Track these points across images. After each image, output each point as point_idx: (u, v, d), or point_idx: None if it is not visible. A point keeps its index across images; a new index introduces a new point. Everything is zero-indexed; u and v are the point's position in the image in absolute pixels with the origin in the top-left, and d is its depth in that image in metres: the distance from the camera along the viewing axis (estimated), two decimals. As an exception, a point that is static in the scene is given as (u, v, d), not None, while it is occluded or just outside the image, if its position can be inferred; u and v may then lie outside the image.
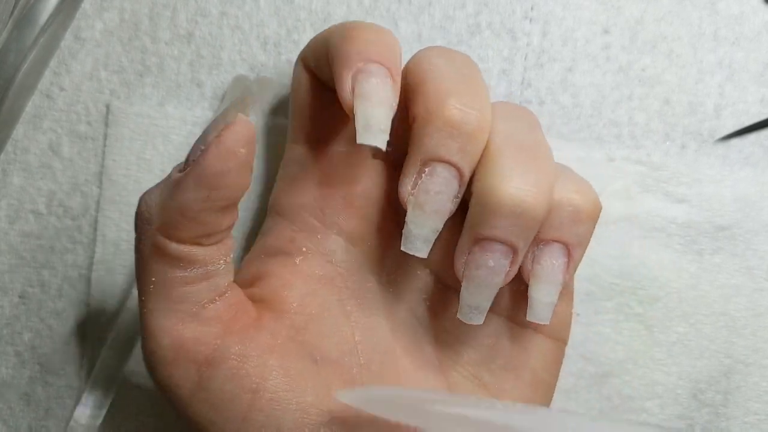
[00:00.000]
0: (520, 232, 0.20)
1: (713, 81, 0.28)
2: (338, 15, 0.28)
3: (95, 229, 0.28)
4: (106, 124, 0.28)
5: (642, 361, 0.28)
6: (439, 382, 0.23)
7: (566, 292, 0.23)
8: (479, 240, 0.20)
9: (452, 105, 0.20)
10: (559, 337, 0.24)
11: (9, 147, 0.28)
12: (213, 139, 0.19)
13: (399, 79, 0.21)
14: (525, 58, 0.28)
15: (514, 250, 0.20)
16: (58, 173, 0.28)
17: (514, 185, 0.20)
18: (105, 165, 0.28)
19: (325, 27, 0.28)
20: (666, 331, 0.28)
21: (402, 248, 0.21)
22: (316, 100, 0.24)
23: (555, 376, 0.24)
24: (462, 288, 0.21)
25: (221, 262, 0.21)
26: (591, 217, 0.22)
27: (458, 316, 0.21)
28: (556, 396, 0.25)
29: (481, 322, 0.21)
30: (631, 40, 0.28)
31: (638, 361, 0.28)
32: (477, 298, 0.21)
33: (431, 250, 0.23)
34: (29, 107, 0.28)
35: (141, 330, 0.21)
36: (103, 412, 0.28)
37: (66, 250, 0.28)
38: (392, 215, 0.24)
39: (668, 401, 0.28)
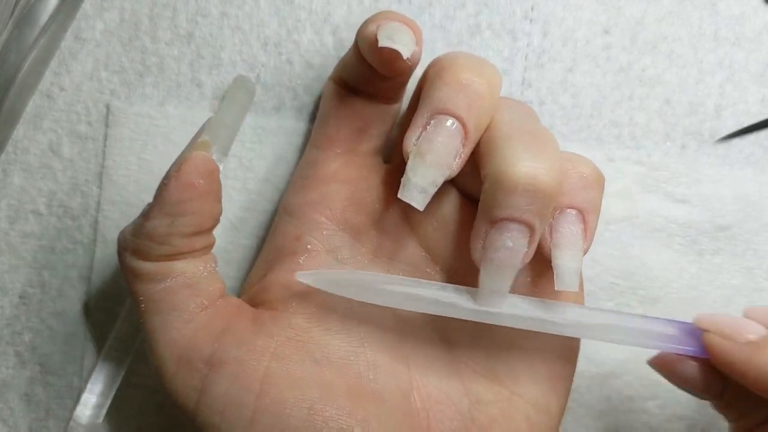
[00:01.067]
0: (536, 210, 0.20)
1: (714, 81, 0.28)
2: (338, 15, 0.28)
3: (95, 230, 0.28)
4: (107, 125, 0.28)
5: (643, 362, 0.28)
6: (452, 378, 0.23)
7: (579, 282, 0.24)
8: (496, 221, 0.20)
9: (464, 70, 0.21)
10: None
11: (9, 147, 0.28)
12: (173, 172, 0.21)
13: (420, 47, 0.22)
14: (525, 59, 0.28)
15: (531, 229, 0.20)
16: (58, 173, 0.28)
17: (526, 164, 0.20)
18: (105, 165, 0.28)
19: (326, 27, 0.28)
20: (666, 331, 0.28)
21: (399, 196, 0.21)
22: (338, 106, 0.25)
23: (572, 369, 0.24)
24: (481, 273, 0.21)
25: (201, 269, 0.22)
26: (598, 183, 0.22)
27: (477, 303, 0.21)
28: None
29: (502, 308, 0.21)
30: (632, 40, 0.28)
31: (639, 361, 0.28)
32: (497, 281, 0.21)
33: (441, 247, 0.23)
34: (29, 107, 0.28)
35: (148, 351, 0.23)
36: (103, 412, 0.28)
37: (66, 250, 0.28)
38: (400, 216, 0.24)
39: (668, 401, 0.28)
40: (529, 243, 0.20)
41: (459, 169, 0.21)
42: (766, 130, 0.28)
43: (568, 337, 0.23)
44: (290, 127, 0.28)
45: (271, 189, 0.28)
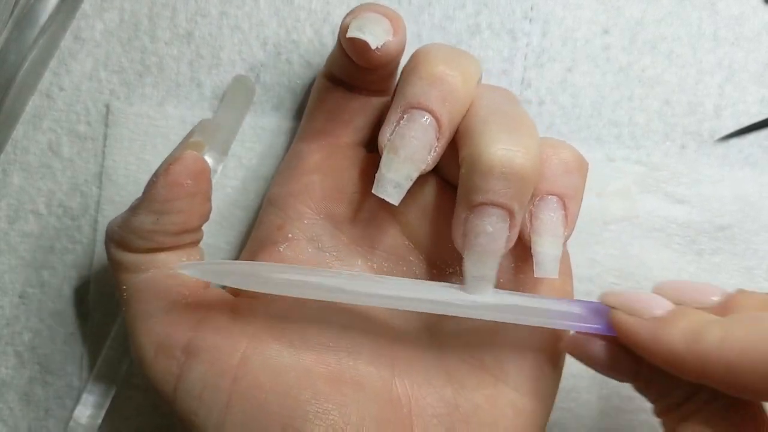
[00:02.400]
0: (514, 193, 0.20)
1: (713, 81, 0.28)
2: (338, 15, 0.28)
3: (95, 229, 0.28)
4: (106, 125, 0.28)
5: (642, 362, 0.28)
6: (437, 366, 0.23)
7: (564, 268, 0.23)
8: (474, 207, 0.20)
9: (438, 63, 0.21)
10: None
11: (9, 147, 0.28)
12: (162, 171, 0.22)
13: (399, 37, 0.22)
14: (525, 58, 0.28)
15: (510, 213, 0.20)
16: (57, 173, 0.28)
17: (502, 147, 0.20)
18: (105, 165, 0.28)
19: (325, 27, 0.28)
20: (666, 331, 0.28)
21: (373, 191, 0.21)
22: (323, 99, 0.25)
23: (561, 355, 0.24)
24: (464, 260, 0.21)
25: (184, 260, 0.23)
26: (579, 169, 0.22)
27: (464, 290, 0.21)
28: (556, 396, 0.24)
29: (487, 295, 0.21)
30: (631, 40, 0.28)
31: (638, 361, 0.28)
32: (481, 267, 0.21)
33: (423, 234, 0.23)
34: (29, 107, 0.28)
35: (128, 339, 0.23)
36: (103, 412, 0.28)
37: (66, 250, 0.28)
38: (381, 205, 0.24)
39: (668, 401, 0.28)
40: (510, 228, 0.20)
41: (434, 163, 0.21)
42: (766, 130, 0.28)
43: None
44: (290, 127, 0.28)
45: (266, 188, 0.28)
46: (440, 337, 0.23)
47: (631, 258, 0.28)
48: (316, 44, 0.28)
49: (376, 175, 0.21)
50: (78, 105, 0.28)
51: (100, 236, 0.28)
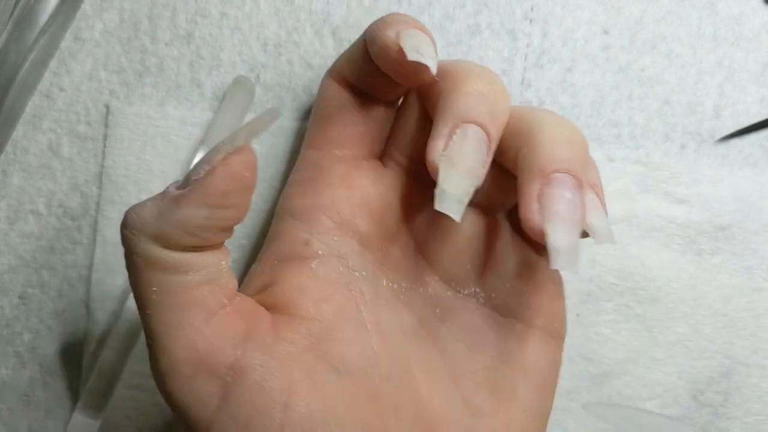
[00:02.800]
0: (579, 161, 0.20)
1: (713, 81, 0.28)
2: (338, 15, 0.28)
3: (95, 230, 0.28)
4: (106, 125, 0.28)
5: (642, 362, 0.28)
6: (454, 392, 0.23)
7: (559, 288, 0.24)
8: (547, 176, 0.20)
9: (481, 78, 0.21)
10: (559, 334, 0.24)
11: (9, 147, 0.28)
12: (220, 160, 0.19)
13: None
14: (525, 59, 0.28)
15: (579, 183, 0.20)
16: (57, 173, 0.28)
17: (558, 124, 0.21)
18: (105, 165, 0.28)
19: (325, 28, 0.28)
20: (666, 331, 0.28)
21: (435, 208, 0.20)
22: (340, 108, 0.24)
23: (557, 375, 0.24)
24: (546, 235, 0.20)
25: (222, 263, 0.21)
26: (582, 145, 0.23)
27: (550, 265, 0.20)
28: (556, 396, 0.24)
29: (577, 268, 0.20)
30: (631, 40, 0.28)
31: (638, 361, 0.28)
32: (564, 236, 0.20)
33: (439, 254, 0.23)
34: (29, 107, 0.28)
35: (151, 347, 0.20)
36: (103, 412, 0.28)
37: (66, 251, 0.28)
38: (407, 224, 0.24)
39: (668, 401, 0.28)
40: (581, 197, 0.20)
41: (483, 178, 0.21)
42: (766, 131, 0.28)
43: (554, 343, 0.23)
44: (290, 128, 0.28)
45: (268, 189, 0.28)
46: (455, 363, 0.23)
47: (631, 258, 0.28)
48: (317, 45, 0.28)
49: (435, 191, 0.20)
50: (78, 105, 0.28)
51: (100, 236, 0.28)
